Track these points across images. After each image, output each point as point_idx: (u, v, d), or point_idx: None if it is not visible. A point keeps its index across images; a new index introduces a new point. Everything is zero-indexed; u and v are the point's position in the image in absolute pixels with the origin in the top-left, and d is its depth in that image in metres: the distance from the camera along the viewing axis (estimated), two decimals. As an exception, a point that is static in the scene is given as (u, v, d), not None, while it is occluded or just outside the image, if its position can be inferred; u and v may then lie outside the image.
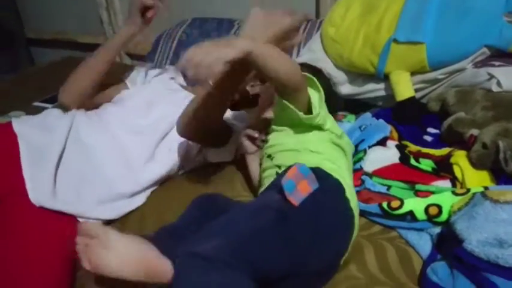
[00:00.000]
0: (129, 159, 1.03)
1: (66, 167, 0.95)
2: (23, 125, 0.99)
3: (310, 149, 0.85)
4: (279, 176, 0.81)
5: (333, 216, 0.75)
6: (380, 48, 1.18)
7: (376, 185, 0.95)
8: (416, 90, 1.19)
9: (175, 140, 1.04)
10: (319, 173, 0.75)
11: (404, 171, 0.97)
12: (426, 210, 0.86)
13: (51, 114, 1.08)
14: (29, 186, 0.88)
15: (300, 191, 0.70)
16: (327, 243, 0.73)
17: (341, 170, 0.84)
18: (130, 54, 2.16)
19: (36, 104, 1.58)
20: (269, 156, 0.90)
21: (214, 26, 1.70)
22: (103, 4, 2.07)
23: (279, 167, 0.87)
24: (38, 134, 0.98)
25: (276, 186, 0.73)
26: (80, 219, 0.91)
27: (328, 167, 0.82)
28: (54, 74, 1.89)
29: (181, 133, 0.97)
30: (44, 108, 1.54)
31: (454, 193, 0.86)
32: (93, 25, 2.16)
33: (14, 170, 0.89)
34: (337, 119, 1.24)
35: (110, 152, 1.01)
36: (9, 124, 0.98)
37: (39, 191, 0.88)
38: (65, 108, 1.16)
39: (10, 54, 2.32)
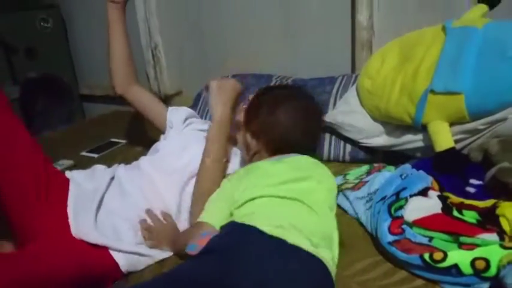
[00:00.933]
0: (166, 204, 1.08)
1: (106, 207, 1.05)
2: (74, 174, 1.12)
3: None
4: None
5: None
6: (417, 98, 1.17)
7: (417, 235, 0.91)
8: (456, 141, 1.16)
9: None
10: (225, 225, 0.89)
11: (447, 222, 0.93)
12: (472, 263, 0.81)
13: (98, 168, 1.19)
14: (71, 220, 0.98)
15: (199, 245, 0.84)
16: None
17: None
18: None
19: (83, 153, 1.68)
20: None
21: (253, 81, 1.77)
22: (150, 62, 2.22)
23: None
24: (85, 181, 1.10)
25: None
26: (112, 252, 0.98)
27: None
28: (102, 126, 2.02)
29: None
30: (90, 158, 1.64)
31: (502, 246, 0.82)
32: (140, 81, 2.31)
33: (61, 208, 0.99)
34: (377, 170, 1.23)
35: (147, 196, 1.07)
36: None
37: (81, 225, 0.98)
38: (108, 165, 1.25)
39: (65, 108, 2.50)
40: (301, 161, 1.03)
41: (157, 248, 1.03)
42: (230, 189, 0.97)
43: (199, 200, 1.03)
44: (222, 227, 0.90)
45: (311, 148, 1.12)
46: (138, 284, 0.83)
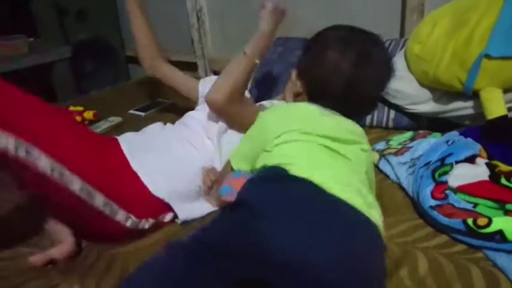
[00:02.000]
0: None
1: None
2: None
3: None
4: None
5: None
6: (469, 64, 1.13)
7: (461, 201, 0.90)
8: (508, 109, 1.12)
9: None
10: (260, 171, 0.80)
11: (494, 190, 0.91)
12: (518, 230, 0.80)
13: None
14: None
15: (234, 189, 0.76)
16: None
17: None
18: (215, 71, 2.30)
19: (130, 111, 1.74)
20: None
21: (297, 44, 1.75)
22: (195, 25, 2.24)
23: None
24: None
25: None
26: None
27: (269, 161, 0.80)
28: (147, 88, 2.07)
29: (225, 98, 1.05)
30: (136, 116, 1.70)
31: (551, 214, 0.80)
32: (184, 44, 2.34)
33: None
34: (421, 136, 1.21)
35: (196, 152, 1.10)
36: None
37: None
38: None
39: (112, 69, 2.58)
40: (348, 124, 0.90)
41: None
42: (267, 126, 0.89)
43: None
44: (261, 169, 0.79)
45: (357, 113, 0.95)
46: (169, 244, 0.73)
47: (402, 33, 1.63)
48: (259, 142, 0.87)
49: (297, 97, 0.99)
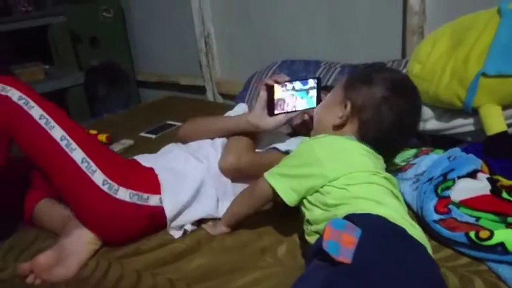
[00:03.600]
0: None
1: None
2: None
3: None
4: (315, 245, 0.77)
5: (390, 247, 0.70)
6: (468, 82, 1.17)
7: (463, 215, 0.93)
8: (508, 125, 1.15)
9: None
10: (352, 219, 0.73)
11: (496, 203, 0.94)
12: (519, 242, 0.82)
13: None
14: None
15: (346, 247, 0.66)
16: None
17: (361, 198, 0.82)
18: (223, 94, 2.37)
19: (142, 134, 1.80)
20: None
21: (301, 66, 1.81)
22: (203, 50, 2.32)
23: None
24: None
25: (314, 255, 0.72)
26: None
27: (354, 208, 0.78)
28: (157, 110, 2.13)
29: None
30: (148, 138, 1.76)
31: (551, 226, 0.82)
32: (193, 68, 2.42)
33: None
34: (424, 153, 1.24)
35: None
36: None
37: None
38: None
39: (123, 94, 2.67)
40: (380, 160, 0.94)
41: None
42: (321, 160, 0.86)
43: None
44: (359, 219, 0.74)
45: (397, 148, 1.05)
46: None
47: (404, 54, 1.69)
48: (315, 176, 0.86)
49: (341, 127, 0.96)
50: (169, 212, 1.04)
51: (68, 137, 1.00)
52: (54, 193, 1.13)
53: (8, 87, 1.00)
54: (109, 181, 1.00)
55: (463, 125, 1.26)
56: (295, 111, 1.09)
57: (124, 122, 2.02)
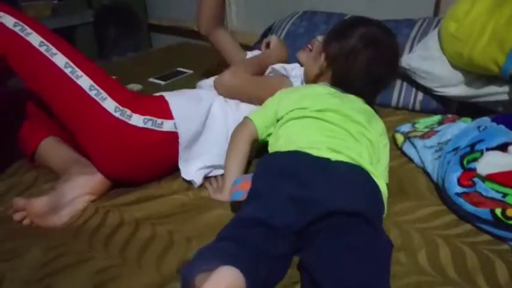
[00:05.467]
0: None
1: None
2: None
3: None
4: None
5: None
6: (509, 46, 1.06)
7: (489, 190, 0.86)
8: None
9: None
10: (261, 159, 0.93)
11: (526, 180, 0.86)
12: (550, 223, 0.75)
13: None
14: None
15: (245, 190, 0.83)
16: None
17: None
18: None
19: (150, 80, 1.73)
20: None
21: (323, 19, 1.69)
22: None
23: None
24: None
25: None
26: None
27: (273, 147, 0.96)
28: (168, 56, 2.05)
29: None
30: (157, 84, 1.68)
31: None
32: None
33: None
34: (450, 120, 1.15)
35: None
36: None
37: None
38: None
39: (134, 37, 2.56)
40: (356, 103, 1.02)
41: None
42: (278, 100, 1.03)
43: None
44: (258, 161, 0.92)
45: (373, 94, 1.13)
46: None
47: (436, 12, 1.55)
48: (273, 110, 1.02)
49: (320, 76, 1.11)
50: (182, 136, 1.00)
51: (72, 64, 0.93)
52: (59, 132, 1.07)
53: (1, 13, 0.92)
54: (121, 107, 0.95)
55: (496, 93, 1.17)
56: None
57: (133, 66, 1.95)
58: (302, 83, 1.19)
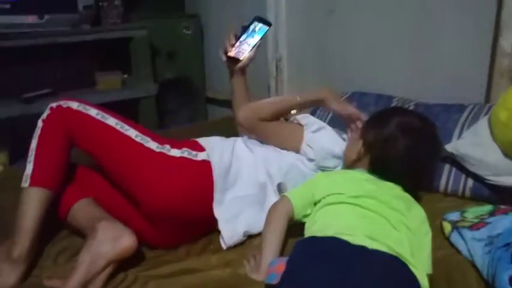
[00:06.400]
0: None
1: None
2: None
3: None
4: None
5: None
6: None
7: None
8: None
9: None
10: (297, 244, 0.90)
11: None
12: None
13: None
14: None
15: (279, 272, 0.84)
16: None
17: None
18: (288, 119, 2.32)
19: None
20: None
21: (373, 99, 1.73)
22: (273, 74, 2.31)
23: None
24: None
25: None
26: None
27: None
28: (221, 128, 2.14)
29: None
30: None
31: None
32: (261, 91, 2.41)
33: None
34: (502, 212, 1.10)
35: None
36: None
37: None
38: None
39: (192, 108, 2.73)
40: (394, 190, 1.04)
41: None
42: (316, 183, 1.06)
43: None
44: (294, 245, 0.91)
45: (413, 180, 1.11)
46: None
47: (488, 99, 1.54)
48: (310, 191, 1.05)
49: (358, 161, 1.14)
50: (215, 165, 1.13)
51: (121, 123, 1.15)
52: (93, 193, 1.17)
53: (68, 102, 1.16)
54: (161, 146, 1.13)
55: (552, 185, 1.11)
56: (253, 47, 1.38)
57: (187, 135, 2.05)
58: (318, 130, 1.25)
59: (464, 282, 0.95)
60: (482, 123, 1.32)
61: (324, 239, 0.86)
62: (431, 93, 1.66)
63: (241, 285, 0.95)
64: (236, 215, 1.13)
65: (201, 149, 1.17)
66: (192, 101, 2.73)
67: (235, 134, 1.95)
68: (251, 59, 1.40)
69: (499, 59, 1.47)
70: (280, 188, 1.21)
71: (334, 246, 0.84)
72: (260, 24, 1.37)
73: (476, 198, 1.29)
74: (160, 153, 1.11)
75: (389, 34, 1.83)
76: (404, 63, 1.80)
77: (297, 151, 1.25)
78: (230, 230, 1.10)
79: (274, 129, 1.28)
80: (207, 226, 1.16)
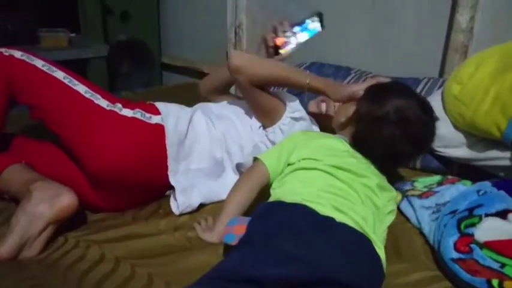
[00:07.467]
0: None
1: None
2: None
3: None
4: None
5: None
6: (512, 111, 1.05)
7: (486, 258, 0.82)
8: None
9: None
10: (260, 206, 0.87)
11: (526, 251, 0.82)
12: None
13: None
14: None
15: (239, 234, 0.81)
16: None
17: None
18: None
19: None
20: None
21: (331, 71, 1.71)
22: (232, 40, 2.24)
23: None
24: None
25: None
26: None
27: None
28: (176, 96, 2.07)
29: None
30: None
31: None
32: (219, 57, 2.34)
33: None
34: (450, 182, 1.13)
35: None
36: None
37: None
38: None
39: (145, 74, 2.61)
40: (372, 168, 1.01)
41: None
42: (294, 145, 1.00)
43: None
44: (258, 206, 0.87)
45: (387, 167, 1.06)
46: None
47: (442, 73, 1.57)
48: (286, 155, 0.99)
49: (343, 127, 1.08)
50: (169, 132, 1.07)
51: (70, 77, 1.06)
52: (27, 158, 1.06)
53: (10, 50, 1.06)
54: (112, 104, 1.06)
55: (498, 157, 1.15)
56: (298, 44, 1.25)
57: (139, 100, 1.96)
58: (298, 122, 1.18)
59: (411, 248, 0.97)
60: (435, 97, 1.34)
61: (292, 206, 0.82)
62: (389, 67, 1.67)
63: (191, 248, 0.91)
64: (191, 186, 1.09)
65: (157, 112, 1.10)
66: (146, 66, 2.60)
67: (194, 103, 1.89)
68: (287, 57, 1.26)
69: (454, 35, 1.50)
70: (238, 169, 1.15)
71: (301, 215, 0.80)
72: (316, 23, 1.25)
73: (426, 170, 1.33)
74: (110, 111, 1.04)
75: (349, 7, 1.81)
76: (363, 36, 1.80)
77: (266, 126, 1.19)
78: (186, 201, 1.06)
79: (258, 98, 1.16)
80: (156, 191, 1.10)
